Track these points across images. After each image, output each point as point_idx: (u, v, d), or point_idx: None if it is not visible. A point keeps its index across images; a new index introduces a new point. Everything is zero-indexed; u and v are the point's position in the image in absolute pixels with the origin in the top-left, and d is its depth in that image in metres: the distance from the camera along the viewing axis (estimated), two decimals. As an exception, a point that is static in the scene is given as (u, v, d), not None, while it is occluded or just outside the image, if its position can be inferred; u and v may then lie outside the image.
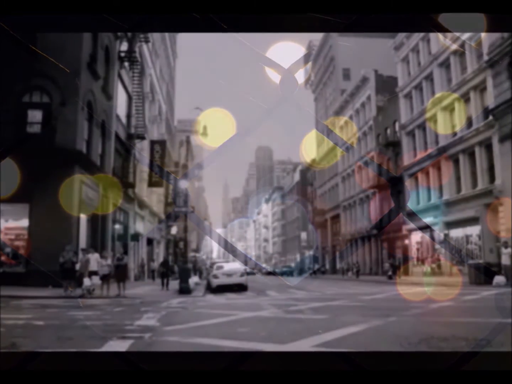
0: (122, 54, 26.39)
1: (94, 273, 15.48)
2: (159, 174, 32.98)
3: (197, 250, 70.71)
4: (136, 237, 30.60)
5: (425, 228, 32.09)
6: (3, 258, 17.86)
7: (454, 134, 28.69)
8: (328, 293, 17.61)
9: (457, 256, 28.80)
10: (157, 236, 41.71)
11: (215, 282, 20.69)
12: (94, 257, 15.81)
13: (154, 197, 39.08)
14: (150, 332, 7.09)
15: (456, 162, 28.44)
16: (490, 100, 24.55)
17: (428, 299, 12.52)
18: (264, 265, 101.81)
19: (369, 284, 25.44)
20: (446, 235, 29.51)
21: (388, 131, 38.93)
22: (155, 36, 36.89)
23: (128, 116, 29.23)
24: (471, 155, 26.98)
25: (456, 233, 28.80)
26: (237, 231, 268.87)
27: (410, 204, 34.28)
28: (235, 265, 24.17)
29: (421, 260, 32.40)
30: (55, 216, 17.37)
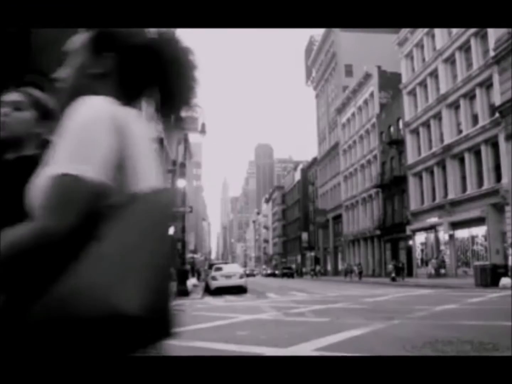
0: (120, 49, 25.94)
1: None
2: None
3: (195, 251, 70.45)
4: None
5: (430, 228, 31.67)
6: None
7: (460, 132, 28.28)
8: (330, 295, 17.18)
9: (463, 257, 28.38)
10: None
11: (213, 284, 20.42)
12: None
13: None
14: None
15: (462, 160, 28.02)
16: (497, 97, 24.16)
17: (433, 301, 12.10)
18: (264, 266, 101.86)
19: (372, 286, 25.05)
20: (451, 236, 29.02)
21: (392, 128, 38.44)
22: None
23: (126, 112, 28.77)
24: (477, 153, 26.54)
25: (462, 233, 28.34)
26: (236, 231, 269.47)
27: (414, 204, 33.87)
28: (234, 267, 23.81)
29: (425, 262, 31.95)
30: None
